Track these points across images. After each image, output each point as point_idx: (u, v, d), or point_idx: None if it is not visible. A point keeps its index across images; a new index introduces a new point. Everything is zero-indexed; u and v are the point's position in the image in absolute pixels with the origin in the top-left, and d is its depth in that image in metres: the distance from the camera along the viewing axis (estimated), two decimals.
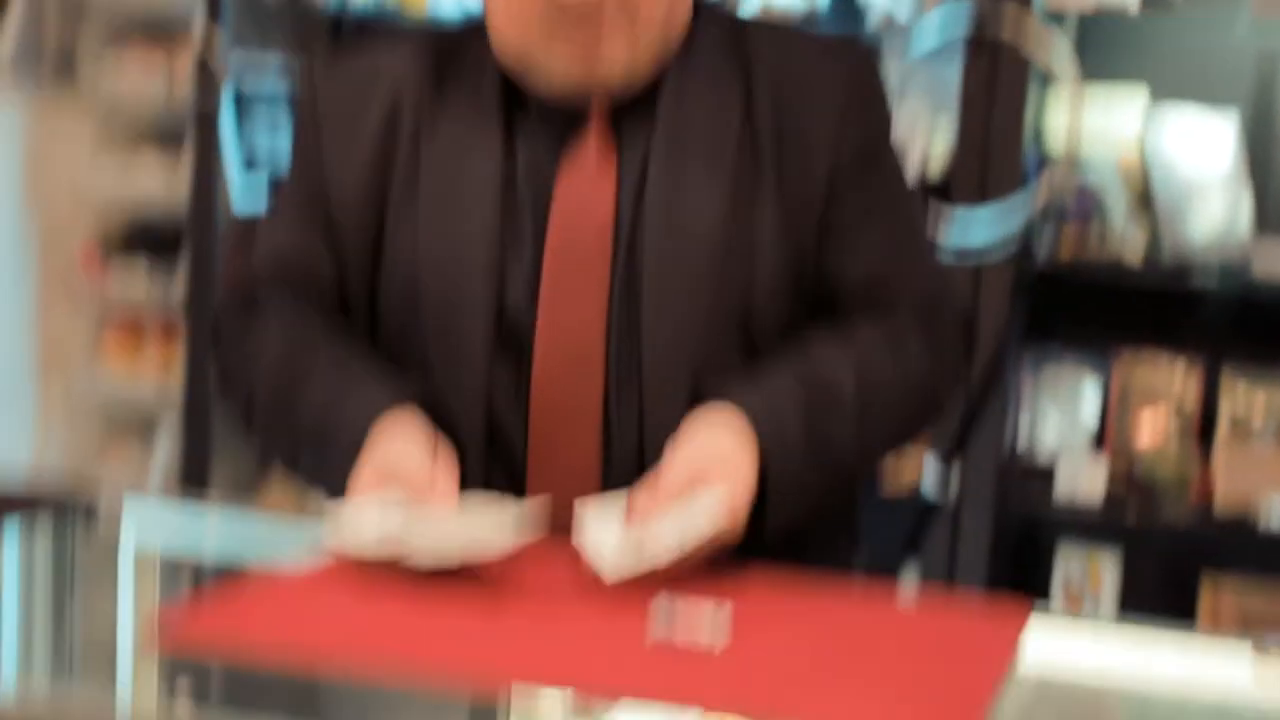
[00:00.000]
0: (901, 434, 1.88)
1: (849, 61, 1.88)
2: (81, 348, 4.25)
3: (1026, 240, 3.51)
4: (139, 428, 4.29)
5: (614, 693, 1.33)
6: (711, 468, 1.66)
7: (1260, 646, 1.52)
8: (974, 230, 3.43)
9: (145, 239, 4.19)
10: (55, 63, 4.15)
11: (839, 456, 1.77)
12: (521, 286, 1.79)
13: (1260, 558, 3.65)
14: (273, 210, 1.96)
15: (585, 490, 1.76)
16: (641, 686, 1.34)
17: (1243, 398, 3.60)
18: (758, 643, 1.44)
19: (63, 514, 1.80)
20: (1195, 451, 3.62)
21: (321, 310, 1.86)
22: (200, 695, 1.41)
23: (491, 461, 1.79)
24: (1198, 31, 3.44)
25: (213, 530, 1.92)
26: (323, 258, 1.88)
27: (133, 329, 4.24)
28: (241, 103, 3.94)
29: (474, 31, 1.87)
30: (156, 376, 4.16)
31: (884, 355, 1.83)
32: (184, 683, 1.42)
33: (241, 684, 1.40)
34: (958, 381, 1.94)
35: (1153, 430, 3.65)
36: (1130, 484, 3.59)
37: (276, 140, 4.01)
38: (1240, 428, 3.57)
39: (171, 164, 4.10)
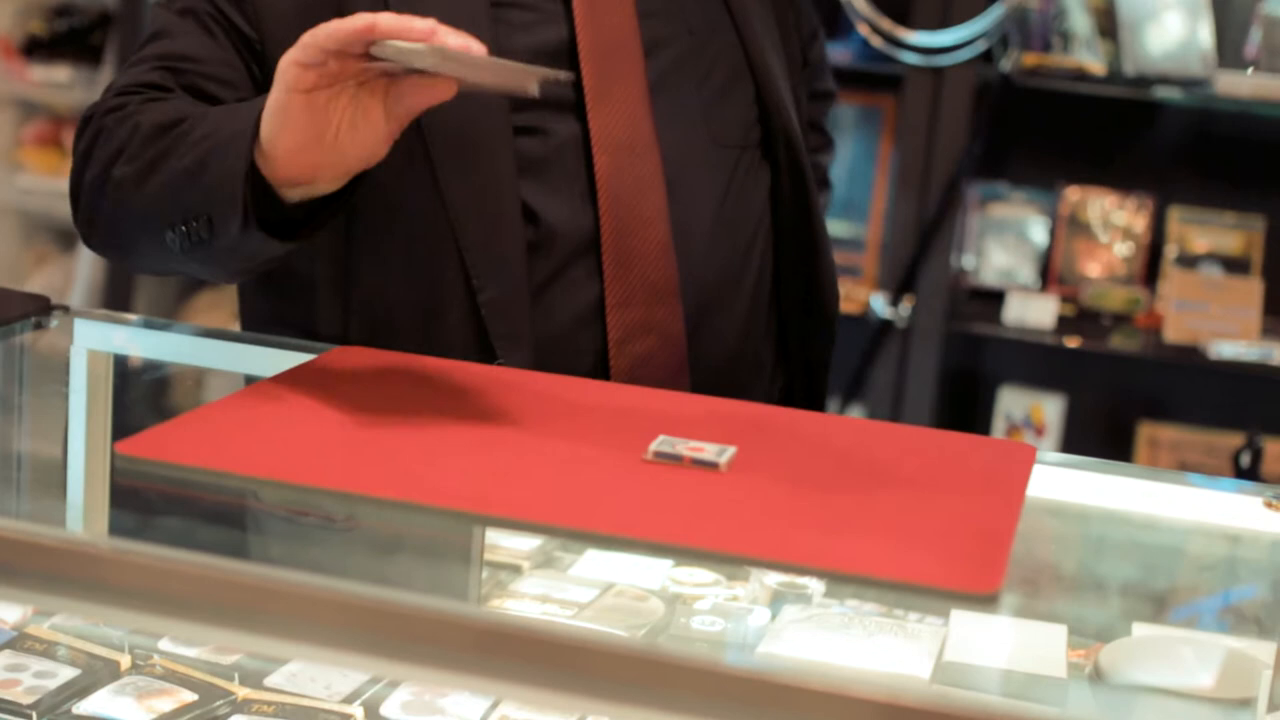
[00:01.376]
0: None
1: None
2: (1, 149, 4.10)
3: (990, 53, 3.46)
4: (60, 238, 4.17)
5: (595, 524, 1.25)
6: None
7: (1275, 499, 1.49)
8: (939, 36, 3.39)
9: (69, 35, 4.03)
10: None
11: None
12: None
13: (1203, 396, 3.65)
14: (165, 23, 1.72)
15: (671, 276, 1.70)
16: (629, 519, 1.26)
17: (1191, 232, 3.60)
18: (763, 470, 1.37)
19: (9, 326, 1.71)
20: (1142, 284, 3.63)
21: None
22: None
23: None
24: None
25: (156, 345, 1.84)
26: (233, 69, 1.67)
27: (54, 131, 4.09)
28: None
29: None
30: None
31: None
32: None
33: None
34: None
35: (1100, 263, 3.64)
36: (1078, 314, 3.58)
37: None
38: (1186, 260, 3.56)
39: None
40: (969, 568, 1.20)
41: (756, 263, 1.79)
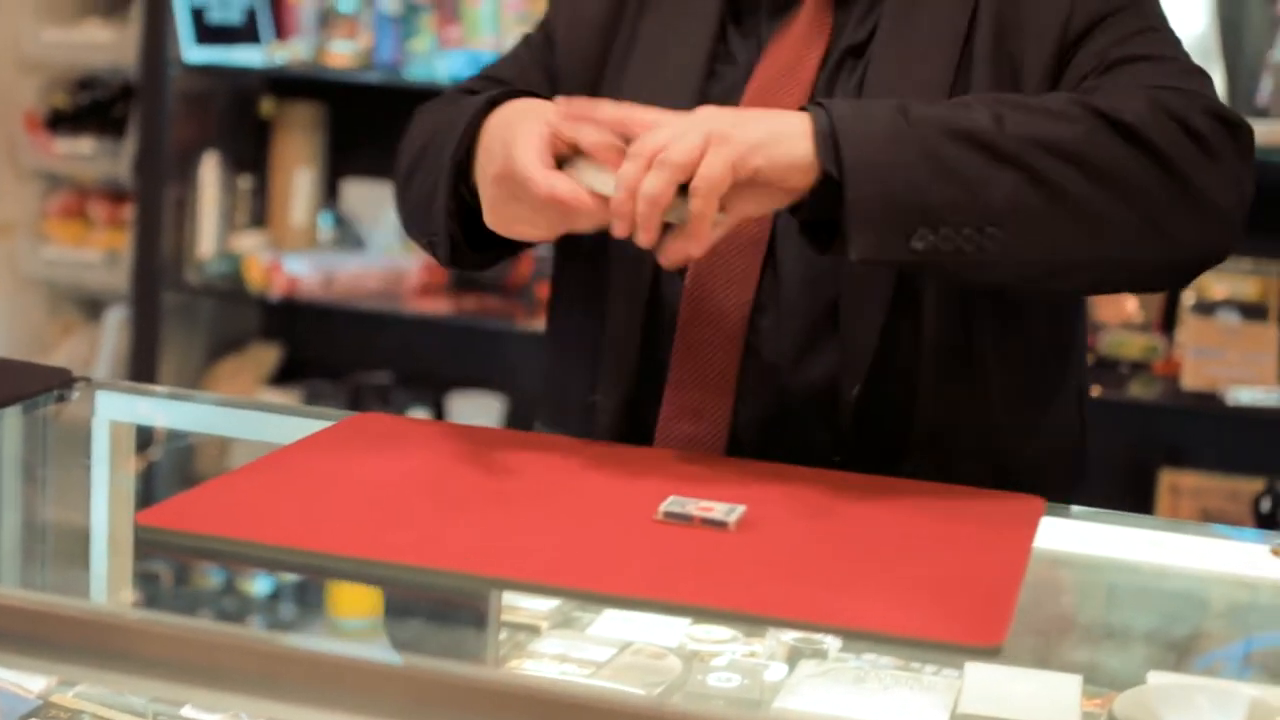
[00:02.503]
0: (1080, 227, 1.51)
1: None
2: (26, 221, 4.14)
3: None
4: (85, 307, 4.20)
5: (608, 585, 1.27)
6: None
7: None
8: None
9: (92, 108, 4.08)
10: None
11: (964, 174, 1.48)
12: None
13: (1223, 442, 3.66)
14: (514, 48, 1.90)
15: (727, 378, 1.67)
16: (642, 580, 1.28)
17: (1208, 279, 3.60)
18: (772, 529, 1.39)
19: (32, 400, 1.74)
20: (1160, 332, 3.64)
21: None
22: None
23: (648, 327, 1.71)
24: None
25: (183, 418, 1.87)
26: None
27: (79, 202, 4.13)
28: None
29: None
30: (102, 254, 4.05)
31: (1064, 102, 1.54)
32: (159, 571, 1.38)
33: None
34: (1222, 213, 1.56)
35: (1117, 311, 3.65)
36: (1096, 363, 3.58)
37: (227, 9, 3.91)
38: (1204, 307, 3.57)
39: (119, 27, 3.98)
40: (974, 621, 1.22)
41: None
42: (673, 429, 1.69)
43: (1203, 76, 1.63)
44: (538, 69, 1.83)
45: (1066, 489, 1.71)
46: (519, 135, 1.53)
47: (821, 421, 1.65)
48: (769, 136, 1.46)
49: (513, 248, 1.70)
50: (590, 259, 1.73)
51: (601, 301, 1.73)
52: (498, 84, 1.80)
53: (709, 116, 1.48)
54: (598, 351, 1.74)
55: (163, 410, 1.86)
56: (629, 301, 1.70)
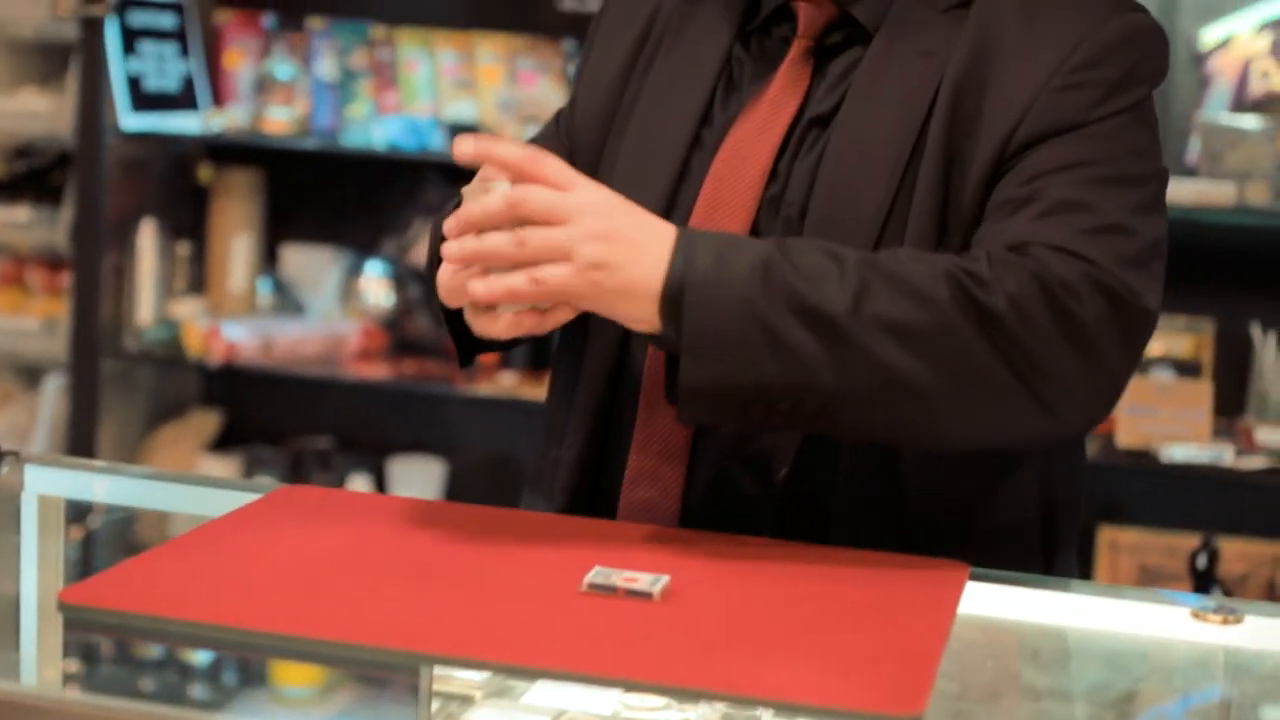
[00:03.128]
0: (928, 405, 1.51)
1: (1090, 19, 1.64)
2: None
3: None
4: (23, 375, 4.18)
5: (534, 659, 1.28)
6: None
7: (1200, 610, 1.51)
8: None
9: (29, 176, 4.07)
10: None
11: (801, 351, 1.47)
12: (681, 223, 1.66)
13: (1159, 499, 3.68)
14: (553, 117, 1.93)
15: (681, 446, 1.67)
16: (567, 653, 1.29)
17: None
18: (696, 599, 1.40)
19: None
20: None
21: None
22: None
23: (617, 383, 1.72)
24: None
25: (113, 491, 1.86)
26: None
27: (16, 270, 4.12)
28: (127, 36, 3.83)
29: None
30: (40, 321, 4.04)
31: (931, 279, 1.50)
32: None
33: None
34: (1074, 403, 1.54)
35: None
36: None
37: (164, 76, 3.92)
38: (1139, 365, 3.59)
39: (55, 96, 3.98)
40: (894, 690, 1.23)
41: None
42: (633, 493, 1.70)
43: (1125, 234, 1.57)
44: (558, 145, 1.85)
45: (1036, 557, 1.73)
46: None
47: (762, 493, 1.67)
48: (604, 282, 1.47)
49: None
50: (579, 335, 1.75)
51: (579, 371, 1.75)
52: None
53: (589, 225, 1.47)
54: (569, 415, 1.76)
55: (95, 484, 1.85)
56: (596, 363, 1.71)
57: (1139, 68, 1.65)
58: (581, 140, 1.83)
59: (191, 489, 1.85)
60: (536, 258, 1.45)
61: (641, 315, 1.50)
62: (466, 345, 1.70)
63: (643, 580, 1.40)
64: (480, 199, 1.48)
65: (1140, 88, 1.65)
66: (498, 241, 1.46)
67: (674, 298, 1.48)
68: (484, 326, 1.52)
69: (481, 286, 1.47)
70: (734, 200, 1.69)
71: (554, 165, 1.49)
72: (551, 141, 1.88)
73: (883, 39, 1.69)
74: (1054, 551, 1.76)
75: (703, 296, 1.47)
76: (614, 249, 1.47)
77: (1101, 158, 1.60)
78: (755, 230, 1.68)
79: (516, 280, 1.46)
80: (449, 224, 1.49)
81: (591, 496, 1.74)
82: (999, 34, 1.65)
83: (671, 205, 1.72)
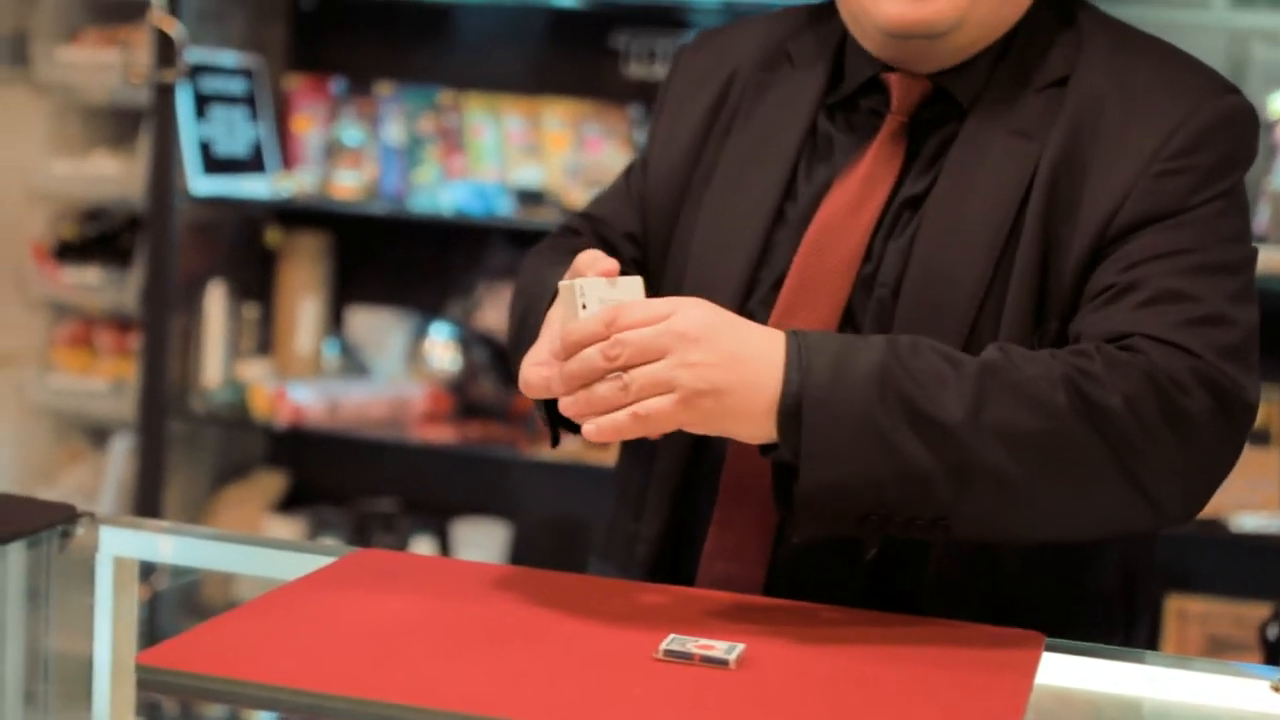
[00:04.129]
0: (1042, 506, 1.52)
1: (1187, 103, 1.64)
2: (33, 350, 4.16)
3: None
4: (91, 435, 4.21)
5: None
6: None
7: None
8: None
9: (99, 239, 4.11)
10: (7, 49, 4.06)
11: (918, 458, 1.46)
12: (764, 298, 1.71)
13: (1228, 568, 3.65)
14: (622, 172, 1.94)
15: (767, 523, 1.67)
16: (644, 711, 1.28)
17: None
18: (772, 667, 1.40)
19: (35, 536, 1.75)
20: None
21: None
22: None
23: (693, 464, 1.72)
24: (1175, 8, 3.44)
25: (183, 552, 1.87)
26: (622, 231, 1.86)
27: (85, 331, 4.15)
28: (199, 101, 3.87)
29: (828, 9, 1.80)
30: (109, 383, 4.07)
31: (1049, 384, 1.50)
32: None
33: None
34: (1178, 497, 1.56)
35: None
36: None
37: (234, 140, 3.95)
38: None
39: (126, 160, 4.02)
40: None
41: None
42: (713, 567, 1.70)
43: (1226, 325, 1.58)
44: (630, 204, 1.87)
45: (1116, 627, 1.73)
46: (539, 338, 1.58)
47: (848, 574, 1.66)
48: (713, 407, 1.46)
49: None
50: None
51: (655, 442, 1.74)
52: (591, 221, 1.88)
53: (690, 353, 1.46)
54: (646, 488, 1.75)
55: (167, 545, 1.86)
56: (675, 435, 1.68)
57: (1234, 153, 1.66)
58: (655, 203, 1.84)
59: (261, 551, 1.86)
60: (640, 396, 1.45)
61: (755, 433, 1.49)
62: (555, 425, 1.66)
63: (719, 648, 1.39)
64: (582, 321, 1.48)
65: (1235, 172, 1.65)
66: (604, 392, 1.45)
67: (791, 413, 1.47)
68: (587, 432, 1.49)
69: (592, 428, 1.47)
70: (825, 281, 1.68)
71: (640, 307, 1.48)
72: (623, 201, 1.88)
73: (978, 116, 1.69)
74: (1132, 622, 1.75)
75: (821, 414, 1.46)
76: (720, 374, 1.46)
77: (1199, 245, 1.60)
78: (849, 310, 1.67)
79: (621, 419, 1.46)
80: (555, 348, 1.49)
81: (672, 573, 1.73)
82: (1097, 117, 1.65)
83: (754, 281, 1.72)
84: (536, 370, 1.54)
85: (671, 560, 1.75)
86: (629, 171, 1.93)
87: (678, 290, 1.75)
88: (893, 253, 1.68)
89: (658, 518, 1.74)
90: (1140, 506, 1.54)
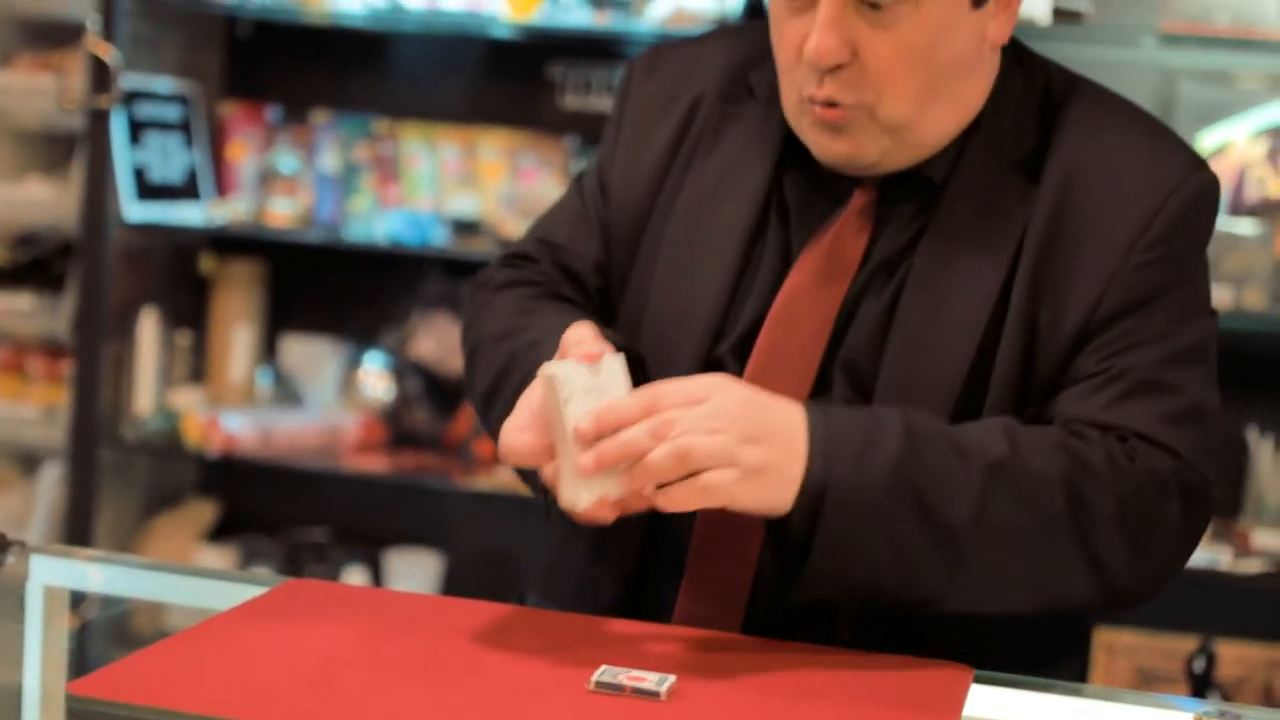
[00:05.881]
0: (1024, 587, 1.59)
1: (1163, 186, 1.67)
2: None
3: None
4: (21, 463, 4.18)
5: None
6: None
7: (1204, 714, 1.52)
8: None
9: (31, 265, 4.09)
10: None
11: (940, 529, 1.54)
12: (733, 354, 1.72)
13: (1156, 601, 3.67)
14: (569, 191, 1.92)
15: (741, 574, 1.68)
16: None
17: None
18: (703, 699, 1.40)
19: None
20: None
21: (574, 303, 1.82)
22: None
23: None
24: (1106, 47, 3.48)
25: (114, 581, 1.86)
26: (585, 260, 1.85)
27: (17, 358, 4.13)
28: (133, 128, 3.86)
29: None
30: (40, 409, 4.05)
31: (1050, 487, 1.56)
32: None
33: None
34: (1139, 590, 1.64)
35: None
36: None
37: (168, 167, 3.94)
38: None
39: (60, 185, 4.01)
40: None
41: None
42: (689, 617, 1.70)
43: (1202, 419, 1.65)
44: (590, 230, 1.86)
45: (1042, 659, 1.74)
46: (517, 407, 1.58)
47: (827, 628, 1.67)
48: (759, 483, 1.49)
49: None
50: None
51: None
52: (549, 248, 1.86)
53: (741, 425, 1.49)
54: (607, 531, 1.71)
55: (97, 574, 1.85)
56: None
57: (1204, 232, 1.71)
58: (617, 234, 1.83)
59: (193, 581, 1.86)
60: (701, 467, 1.47)
61: (771, 510, 1.53)
62: (547, 495, 1.63)
63: (650, 680, 1.40)
64: (621, 406, 1.48)
65: (1203, 248, 1.71)
66: (659, 461, 1.46)
67: (812, 501, 1.51)
68: (588, 511, 1.50)
69: (664, 501, 1.48)
70: (793, 355, 1.70)
71: (679, 391, 1.49)
72: (582, 226, 1.86)
73: (952, 194, 1.69)
74: (1061, 654, 1.77)
75: (841, 508, 1.51)
76: (767, 453, 1.50)
77: (1174, 329, 1.66)
78: (822, 371, 1.68)
79: (687, 494, 1.47)
80: (584, 426, 1.48)
81: (638, 618, 1.72)
82: (1075, 195, 1.67)
83: (722, 328, 1.72)
84: (519, 436, 1.54)
85: (635, 605, 1.74)
86: (581, 189, 1.90)
87: (638, 327, 1.76)
88: (865, 322, 1.69)
89: (626, 562, 1.74)
90: (1102, 592, 1.61)
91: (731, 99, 1.81)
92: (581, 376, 1.50)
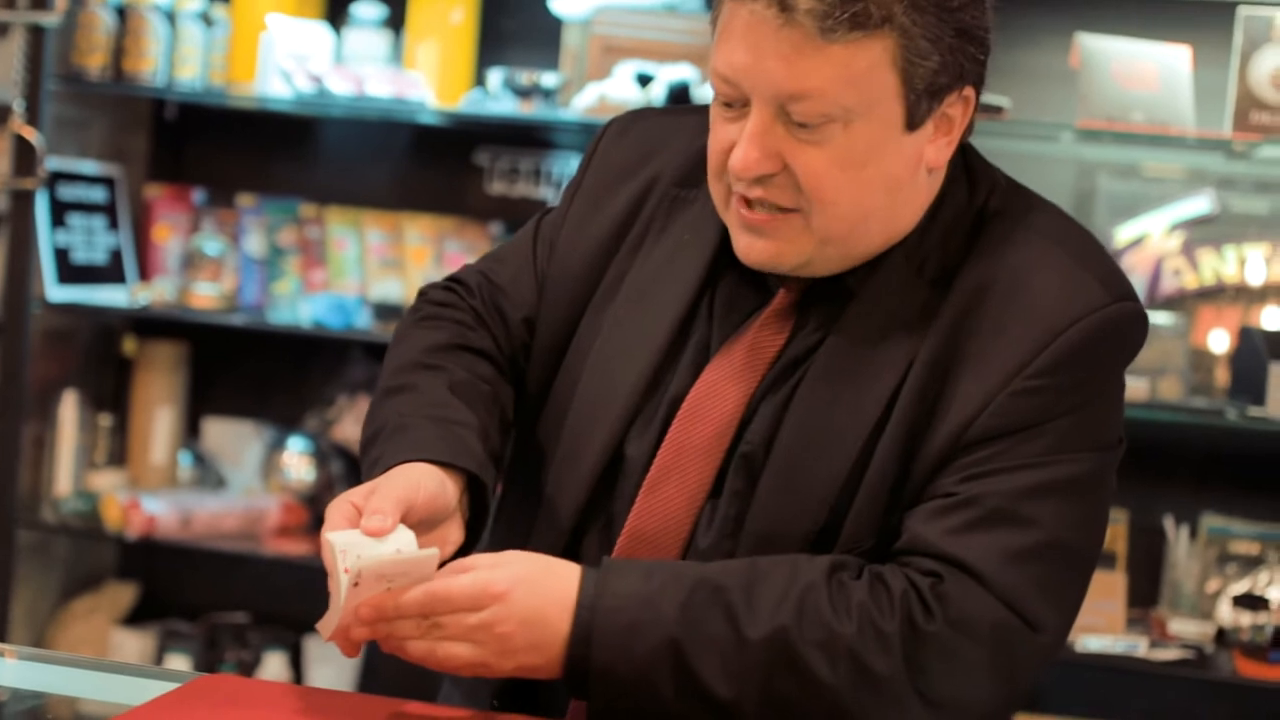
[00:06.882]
0: None
1: (1064, 315, 1.63)
2: None
3: None
4: None
5: None
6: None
7: None
8: None
9: None
10: None
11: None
12: (644, 441, 1.74)
13: (1075, 689, 3.70)
14: (526, 229, 1.93)
15: None
16: None
17: None
18: None
19: None
20: None
21: (483, 354, 1.84)
22: None
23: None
24: (1026, 141, 3.53)
25: (26, 676, 1.85)
26: (518, 309, 1.86)
27: None
28: (57, 209, 3.85)
29: None
30: None
31: (831, 658, 1.57)
32: None
33: None
34: None
35: None
36: None
37: (92, 248, 3.93)
38: None
39: None
40: None
41: None
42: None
43: (1052, 556, 1.60)
44: (533, 281, 1.87)
45: None
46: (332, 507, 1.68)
47: None
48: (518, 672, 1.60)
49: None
50: (523, 495, 1.81)
51: (527, 537, 1.77)
52: (489, 286, 1.88)
53: (488, 638, 1.58)
54: None
55: (9, 669, 1.84)
56: (552, 532, 1.76)
57: (1111, 364, 1.67)
58: (553, 295, 1.84)
59: (106, 677, 1.84)
60: (454, 670, 1.60)
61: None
62: None
63: None
64: (399, 599, 1.59)
65: (1105, 381, 1.66)
66: (415, 652, 1.59)
67: (579, 680, 1.59)
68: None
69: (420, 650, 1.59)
70: (696, 453, 1.72)
71: (455, 598, 1.57)
72: (527, 275, 1.88)
73: (863, 300, 1.70)
74: None
75: (605, 687, 1.58)
76: (529, 658, 1.59)
77: (1046, 459, 1.62)
78: (724, 471, 1.71)
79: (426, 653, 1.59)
80: (365, 614, 1.60)
81: (526, 697, 1.75)
82: (981, 313, 1.66)
83: (638, 410, 1.75)
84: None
85: (519, 684, 1.75)
86: (536, 234, 1.90)
87: (570, 399, 1.78)
88: (767, 410, 1.71)
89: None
90: None
91: (688, 183, 1.81)
92: (366, 545, 1.59)
